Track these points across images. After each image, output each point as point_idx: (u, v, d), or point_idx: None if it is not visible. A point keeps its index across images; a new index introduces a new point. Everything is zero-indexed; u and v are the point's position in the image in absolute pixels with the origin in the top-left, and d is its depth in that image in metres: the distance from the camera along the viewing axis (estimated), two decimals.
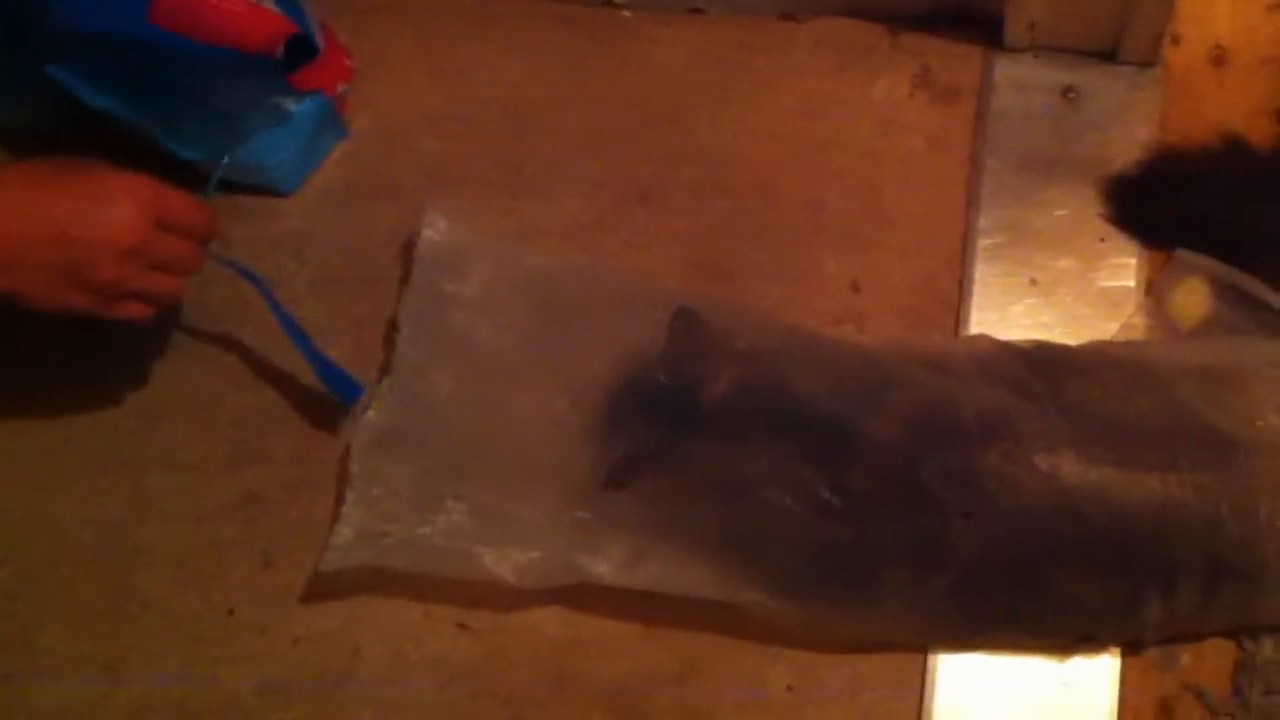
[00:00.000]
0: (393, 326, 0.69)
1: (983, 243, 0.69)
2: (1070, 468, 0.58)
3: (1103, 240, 0.69)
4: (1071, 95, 0.72)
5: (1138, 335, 0.66)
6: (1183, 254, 0.66)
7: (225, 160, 0.68)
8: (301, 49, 0.66)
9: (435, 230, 0.69)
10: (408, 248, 0.71)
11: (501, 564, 0.62)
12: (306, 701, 0.64)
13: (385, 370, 0.68)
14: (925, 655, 0.62)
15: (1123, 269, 0.68)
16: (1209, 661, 0.61)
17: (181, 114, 0.68)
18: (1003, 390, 0.61)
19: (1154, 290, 0.67)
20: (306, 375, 0.69)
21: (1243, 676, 0.60)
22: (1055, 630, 0.61)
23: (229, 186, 0.71)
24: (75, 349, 0.71)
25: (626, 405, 0.64)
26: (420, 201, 0.72)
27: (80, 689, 0.65)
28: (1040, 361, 0.62)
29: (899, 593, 0.60)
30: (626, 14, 0.76)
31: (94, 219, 0.59)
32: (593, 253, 0.72)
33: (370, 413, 0.66)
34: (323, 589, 0.65)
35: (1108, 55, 0.72)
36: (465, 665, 0.64)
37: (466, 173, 0.74)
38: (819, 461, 0.59)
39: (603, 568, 0.61)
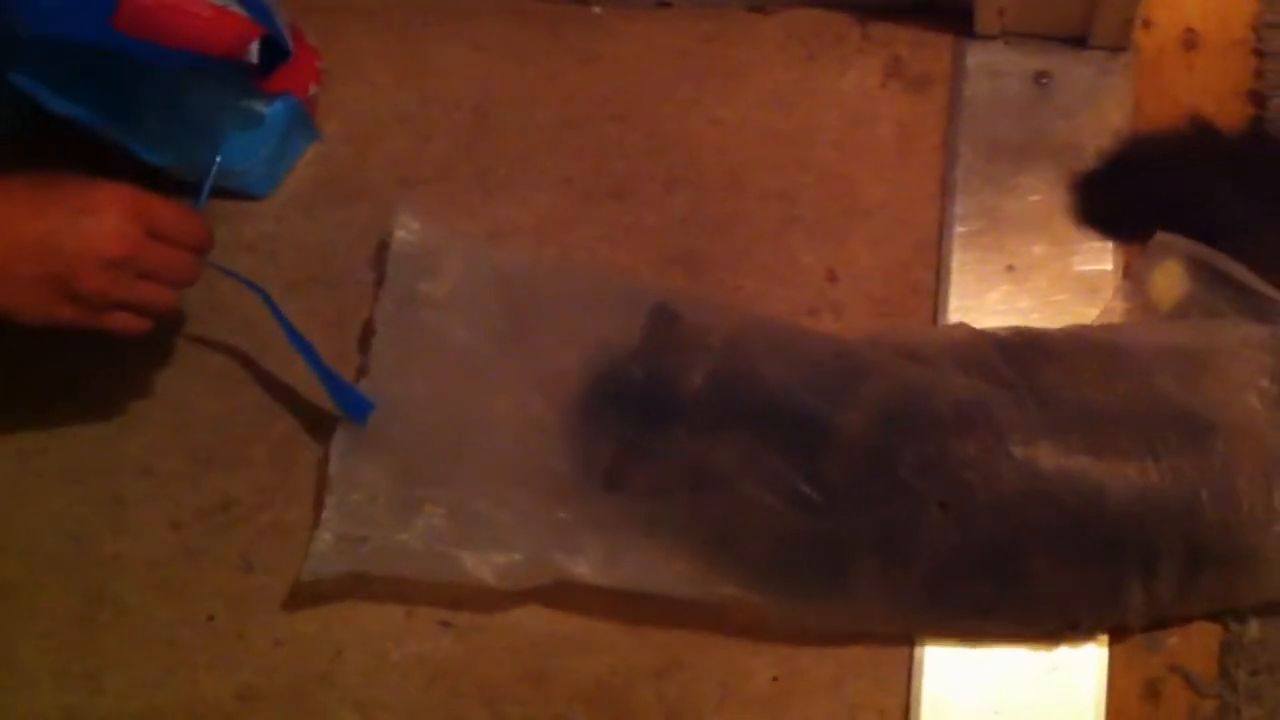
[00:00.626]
0: (368, 328, 0.69)
1: (958, 230, 0.69)
2: (1047, 456, 0.58)
3: (1079, 225, 0.69)
4: (1044, 81, 0.72)
5: (1116, 319, 0.66)
6: (1161, 236, 0.66)
7: (215, 167, 0.67)
8: (272, 51, 0.66)
9: (408, 231, 0.69)
10: (381, 249, 0.70)
11: (482, 567, 0.62)
12: (288, 705, 0.64)
13: (362, 372, 0.68)
14: (911, 644, 0.61)
15: (1099, 253, 0.68)
16: (1195, 643, 0.61)
17: (150, 120, 0.68)
18: (979, 379, 0.60)
19: (1131, 273, 0.67)
20: (284, 378, 0.69)
21: (1229, 657, 0.60)
22: (1037, 619, 0.61)
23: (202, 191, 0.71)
24: (47, 357, 0.70)
25: (602, 403, 0.63)
26: (392, 202, 0.71)
27: (58, 699, 0.65)
28: (1016, 349, 0.62)
29: (878, 584, 0.59)
30: (596, 10, 0.76)
31: (78, 230, 0.58)
32: (565, 249, 0.71)
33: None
34: (304, 592, 0.65)
35: (1079, 40, 0.72)
36: (447, 664, 0.64)
37: (437, 172, 0.74)
38: (794, 454, 0.59)
39: (583, 568, 0.61)
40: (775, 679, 0.62)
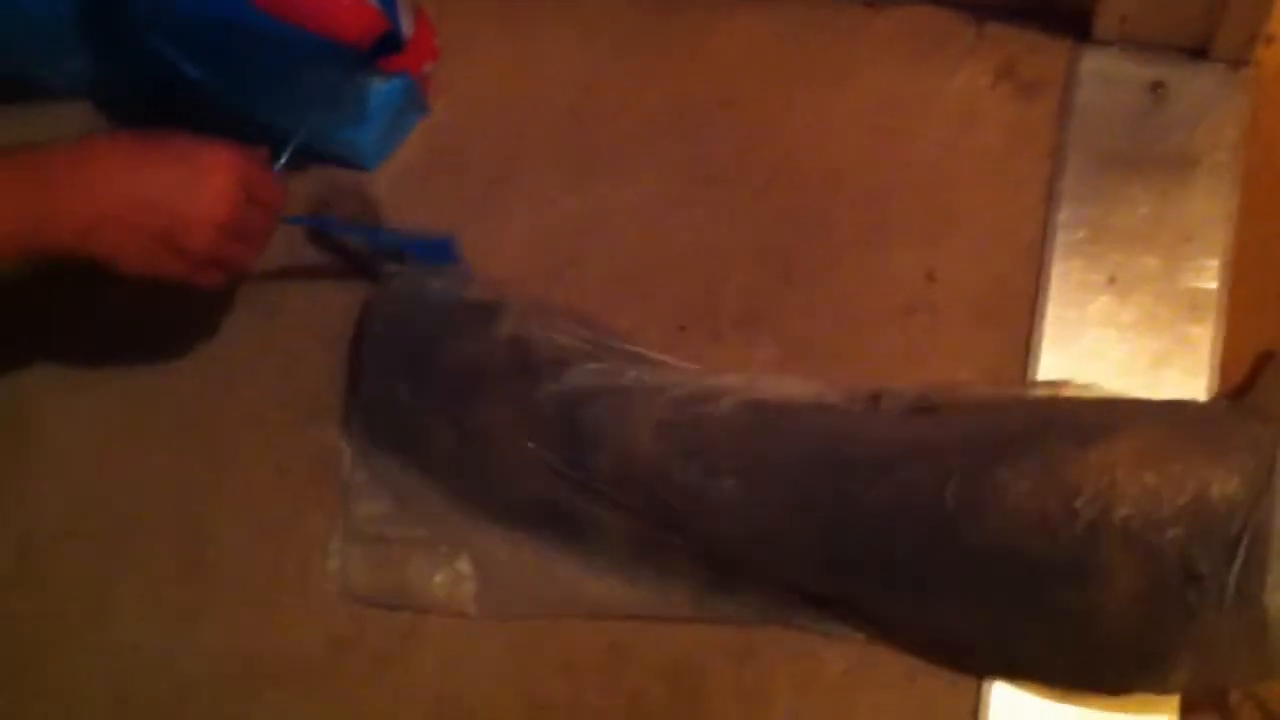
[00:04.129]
0: None
1: (1061, 238, 0.68)
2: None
3: (1187, 240, 0.68)
4: (1159, 91, 0.70)
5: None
6: None
7: (298, 139, 0.68)
8: (390, 43, 0.68)
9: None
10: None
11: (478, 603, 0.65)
12: (375, 657, 0.66)
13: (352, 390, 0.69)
14: None
15: (1205, 270, 0.67)
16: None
17: (271, 90, 0.70)
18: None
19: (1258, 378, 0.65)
20: None
21: None
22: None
23: (317, 157, 0.73)
24: (159, 308, 0.72)
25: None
26: (499, 178, 0.73)
27: (156, 639, 0.68)
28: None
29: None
30: None
31: (193, 189, 0.61)
32: (663, 233, 0.72)
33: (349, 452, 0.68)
34: None
35: (1199, 52, 0.70)
36: (527, 630, 0.66)
37: (542, 149, 0.75)
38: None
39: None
40: (846, 671, 0.63)
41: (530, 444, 0.64)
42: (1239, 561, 0.56)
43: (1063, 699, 0.61)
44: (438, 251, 0.69)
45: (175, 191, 0.60)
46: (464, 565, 0.66)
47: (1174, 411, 0.62)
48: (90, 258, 0.60)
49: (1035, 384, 0.66)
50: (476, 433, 0.65)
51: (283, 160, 0.68)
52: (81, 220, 0.59)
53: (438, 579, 0.66)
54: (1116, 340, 0.67)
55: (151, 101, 0.72)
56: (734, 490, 0.62)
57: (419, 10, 0.74)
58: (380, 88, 0.72)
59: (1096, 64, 0.71)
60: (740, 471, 0.62)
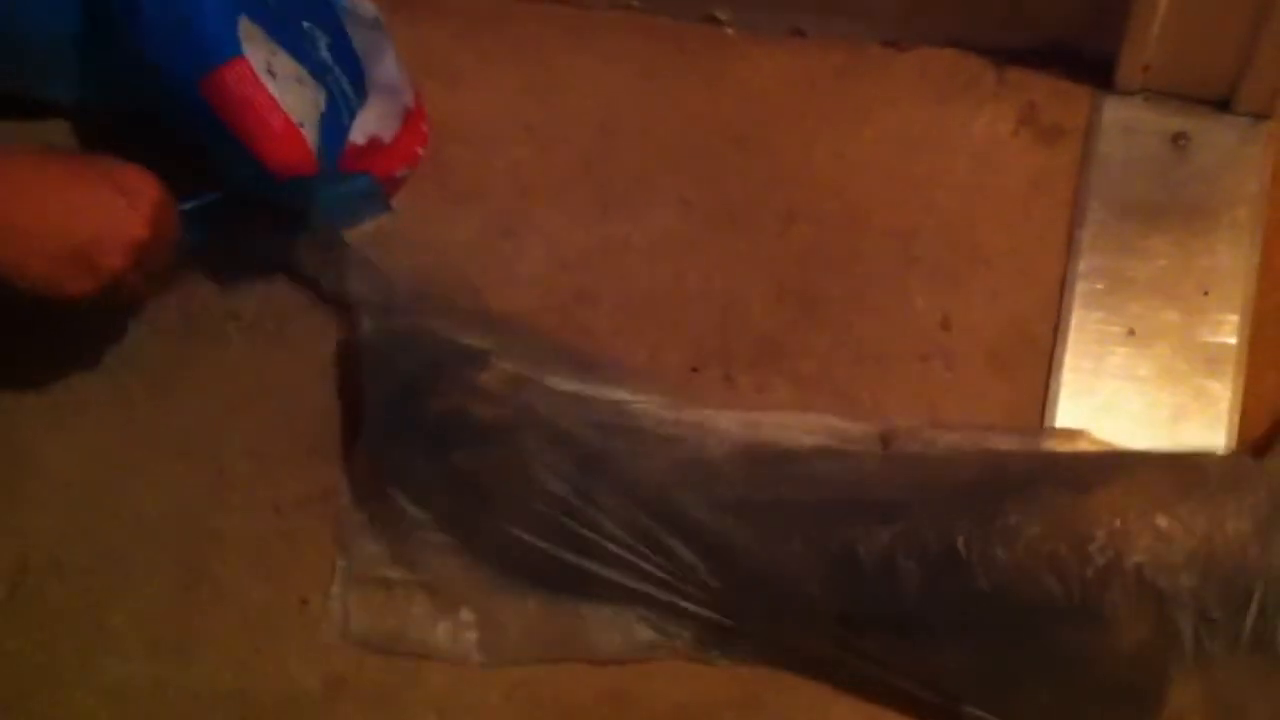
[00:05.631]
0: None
1: (1080, 288, 0.68)
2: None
3: (1206, 293, 0.67)
4: (1181, 143, 0.70)
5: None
6: None
7: (211, 197, 0.67)
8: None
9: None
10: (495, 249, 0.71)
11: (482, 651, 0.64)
12: (373, 700, 0.65)
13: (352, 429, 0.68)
14: None
15: (1224, 325, 0.67)
16: None
17: (218, 149, 0.66)
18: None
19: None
20: None
21: None
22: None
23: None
24: (163, 336, 0.72)
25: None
26: (510, 208, 0.72)
27: (148, 669, 0.66)
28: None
29: None
30: (728, 31, 0.76)
31: (115, 209, 0.60)
32: (679, 272, 0.71)
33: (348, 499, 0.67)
34: None
35: (1221, 104, 0.70)
36: (529, 675, 0.64)
37: (557, 183, 0.74)
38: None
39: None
40: None
41: (528, 488, 0.63)
42: (1254, 607, 0.56)
43: None
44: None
45: (96, 210, 0.59)
46: (466, 614, 0.65)
47: (1184, 459, 0.61)
48: None
49: (1052, 431, 0.66)
50: (473, 476, 0.64)
51: (193, 204, 0.66)
52: None
53: (440, 627, 0.65)
54: (1134, 393, 0.66)
55: (148, 119, 0.70)
56: (739, 534, 0.61)
57: (410, 113, 0.72)
58: (340, 186, 0.69)
59: (1118, 113, 0.71)
60: (746, 515, 0.62)
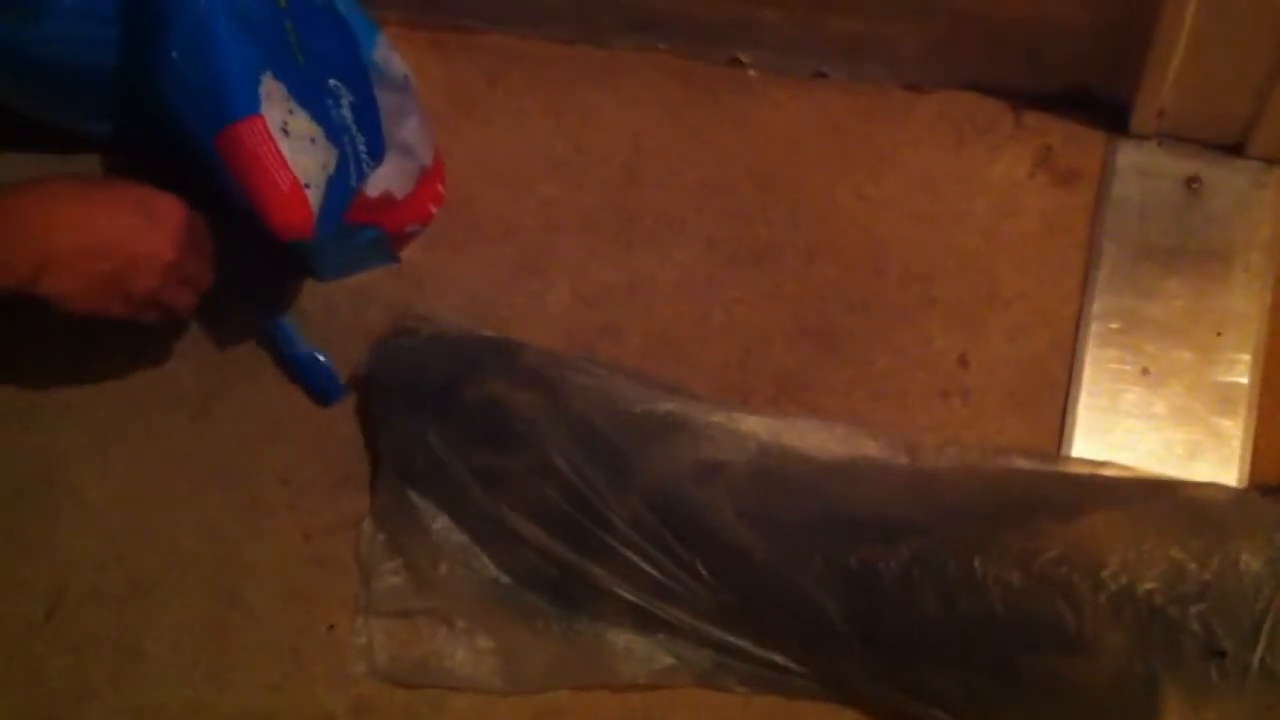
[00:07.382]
0: None
1: (1096, 328, 0.69)
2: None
3: (1219, 334, 0.69)
4: (1195, 186, 0.71)
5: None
6: None
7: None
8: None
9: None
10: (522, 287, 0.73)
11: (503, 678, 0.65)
12: None
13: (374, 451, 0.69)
14: None
15: (1237, 365, 0.68)
16: None
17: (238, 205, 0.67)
18: None
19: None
20: None
21: None
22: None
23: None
24: (198, 367, 0.74)
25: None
26: (538, 245, 0.74)
27: (182, 694, 0.68)
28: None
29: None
30: (752, 74, 0.77)
31: (145, 234, 0.63)
32: (703, 309, 0.73)
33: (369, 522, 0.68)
34: None
35: (1235, 148, 0.71)
36: (555, 701, 0.66)
37: (584, 219, 0.76)
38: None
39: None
40: None
41: (551, 486, 0.63)
42: (1263, 640, 0.57)
43: None
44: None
45: (128, 236, 0.62)
46: (484, 640, 0.66)
47: (1199, 490, 0.63)
48: (40, 296, 0.61)
49: (1077, 461, 0.67)
50: (498, 470, 0.65)
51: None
52: (35, 260, 0.60)
53: (459, 656, 0.66)
54: (1148, 431, 0.67)
55: (178, 156, 0.72)
56: (760, 546, 0.62)
57: (426, 173, 0.74)
58: (343, 232, 0.70)
59: (1133, 157, 0.72)
60: (766, 528, 0.62)
